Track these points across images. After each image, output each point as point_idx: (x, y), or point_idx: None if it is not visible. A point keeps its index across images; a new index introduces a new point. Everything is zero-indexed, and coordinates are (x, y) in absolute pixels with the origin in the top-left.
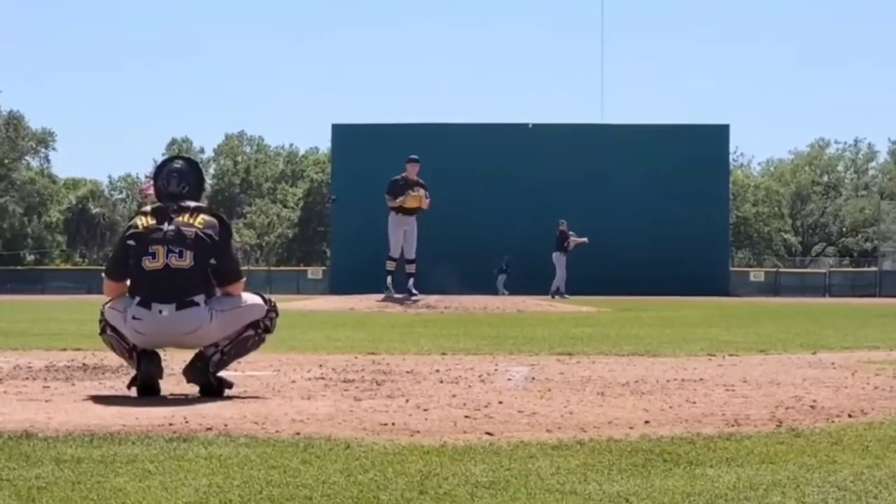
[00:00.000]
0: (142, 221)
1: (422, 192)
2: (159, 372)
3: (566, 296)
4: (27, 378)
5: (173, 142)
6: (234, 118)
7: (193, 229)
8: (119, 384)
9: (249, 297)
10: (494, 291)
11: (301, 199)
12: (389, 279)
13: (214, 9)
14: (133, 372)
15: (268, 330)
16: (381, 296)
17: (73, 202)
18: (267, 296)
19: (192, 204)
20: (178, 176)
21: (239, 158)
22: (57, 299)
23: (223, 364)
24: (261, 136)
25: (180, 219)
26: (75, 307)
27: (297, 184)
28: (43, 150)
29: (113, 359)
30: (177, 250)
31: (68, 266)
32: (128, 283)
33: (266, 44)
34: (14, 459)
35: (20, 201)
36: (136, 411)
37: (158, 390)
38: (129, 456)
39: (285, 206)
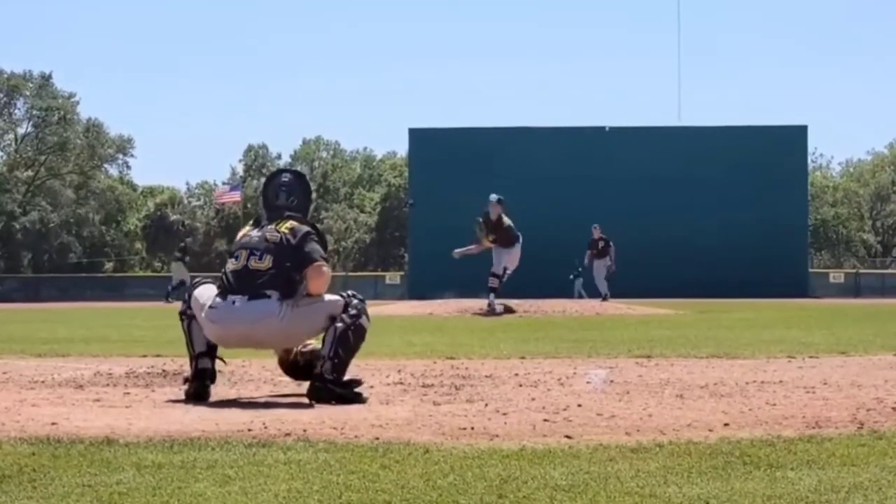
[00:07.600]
0: (241, 233)
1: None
2: (212, 377)
3: None
4: (108, 384)
5: (250, 148)
6: (310, 123)
7: (278, 234)
8: None
9: (327, 294)
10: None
11: (378, 204)
12: (493, 296)
13: (289, 13)
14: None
15: (360, 313)
16: (460, 300)
17: (152, 209)
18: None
19: (286, 213)
20: (286, 189)
21: (316, 164)
22: (136, 306)
23: (339, 367)
24: (337, 140)
25: (272, 226)
26: (155, 314)
27: (374, 188)
28: (121, 156)
29: None
30: (257, 253)
31: (147, 273)
32: None
33: (341, 47)
34: (95, 465)
35: (99, 209)
36: (215, 417)
37: (208, 398)
38: (209, 461)
39: (362, 211)
